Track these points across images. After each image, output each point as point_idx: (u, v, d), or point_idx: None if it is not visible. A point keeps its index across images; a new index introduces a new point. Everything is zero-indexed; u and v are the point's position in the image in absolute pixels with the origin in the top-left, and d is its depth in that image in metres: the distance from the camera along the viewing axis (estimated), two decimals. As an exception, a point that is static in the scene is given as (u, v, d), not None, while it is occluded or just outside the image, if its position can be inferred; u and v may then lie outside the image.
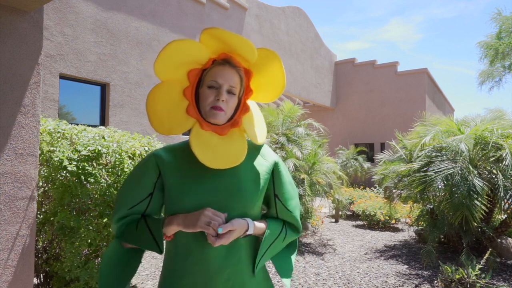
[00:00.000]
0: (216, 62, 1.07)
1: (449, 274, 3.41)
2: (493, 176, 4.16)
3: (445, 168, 4.14)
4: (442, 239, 5.09)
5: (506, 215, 4.59)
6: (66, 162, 2.23)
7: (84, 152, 2.30)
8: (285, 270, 1.17)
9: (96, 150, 2.33)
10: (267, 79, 1.11)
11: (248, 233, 1.02)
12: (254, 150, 1.14)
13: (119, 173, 2.39)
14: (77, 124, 2.74)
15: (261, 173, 1.10)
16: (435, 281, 3.72)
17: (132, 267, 1.10)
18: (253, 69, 1.10)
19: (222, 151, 1.05)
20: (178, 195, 1.03)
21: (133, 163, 2.48)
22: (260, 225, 1.07)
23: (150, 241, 1.00)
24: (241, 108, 1.10)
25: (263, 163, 1.12)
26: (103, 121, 6.42)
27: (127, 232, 1.07)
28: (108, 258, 1.07)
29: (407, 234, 6.22)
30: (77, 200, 2.32)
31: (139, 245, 1.05)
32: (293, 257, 1.22)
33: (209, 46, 1.04)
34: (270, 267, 4.02)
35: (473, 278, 3.28)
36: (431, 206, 4.95)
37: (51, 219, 2.38)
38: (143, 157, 2.61)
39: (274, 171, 1.14)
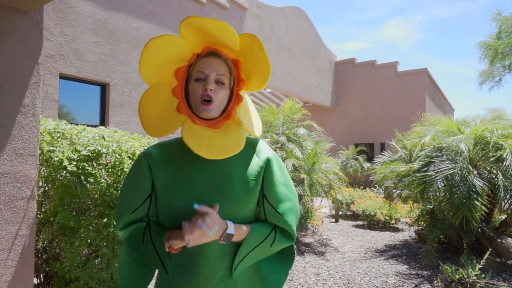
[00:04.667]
0: (200, 56, 1.04)
1: (449, 274, 3.41)
2: (493, 176, 4.16)
3: (445, 168, 4.14)
4: (442, 239, 5.09)
5: (506, 215, 4.59)
6: (66, 162, 2.23)
7: (84, 152, 2.30)
8: (274, 284, 1.11)
9: (96, 150, 2.33)
10: (253, 65, 1.04)
11: (228, 232, 0.96)
12: (249, 147, 1.08)
13: (119, 173, 2.39)
14: (77, 124, 2.74)
15: (253, 172, 1.05)
16: (435, 281, 3.72)
17: (150, 267, 1.09)
18: (240, 58, 1.05)
19: (218, 141, 1.00)
20: (167, 194, 1.01)
21: (133, 163, 2.48)
22: (242, 227, 1.01)
23: (157, 262, 1.00)
24: (234, 99, 1.05)
25: (256, 161, 1.06)
26: (103, 121, 6.41)
27: (134, 244, 1.04)
28: (123, 260, 1.07)
29: (407, 234, 6.22)
30: (77, 200, 2.32)
31: (148, 263, 1.03)
32: (286, 272, 1.14)
33: (190, 39, 1.01)
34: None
35: (473, 278, 3.28)
36: (431, 206, 4.95)
37: (51, 219, 2.38)
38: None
39: (266, 169, 1.06)
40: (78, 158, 2.29)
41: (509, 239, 4.70)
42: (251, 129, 1.06)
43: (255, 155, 1.08)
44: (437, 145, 4.73)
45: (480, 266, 3.40)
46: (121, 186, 2.43)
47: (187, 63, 1.05)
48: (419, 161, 4.67)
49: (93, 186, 2.29)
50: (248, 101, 1.12)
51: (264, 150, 1.09)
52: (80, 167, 2.25)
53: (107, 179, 2.36)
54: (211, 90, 0.99)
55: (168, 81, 1.05)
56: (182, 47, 1.02)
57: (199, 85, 1.00)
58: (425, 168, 4.51)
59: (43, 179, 2.36)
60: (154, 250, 1.00)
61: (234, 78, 1.06)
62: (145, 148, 2.63)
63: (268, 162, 1.07)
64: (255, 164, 1.06)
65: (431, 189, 4.33)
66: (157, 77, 1.04)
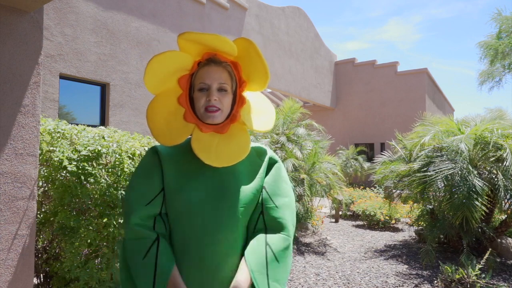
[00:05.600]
0: (201, 64, 1.06)
1: (449, 274, 3.41)
2: (493, 176, 4.16)
3: (445, 168, 4.13)
4: (442, 239, 5.09)
5: (506, 215, 4.59)
6: (66, 162, 2.23)
7: (84, 152, 2.30)
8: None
9: (96, 150, 2.33)
10: (251, 69, 1.07)
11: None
12: (253, 152, 1.13)
13: (119, 173, 2.39)
14: (77, 124, 2.74)
15: (257, 172, 1.09)
16: (435, 281, 3.72)
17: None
18: (239, 60, 1.08)
19: (225, 149, 1.04)
20: (172, 192, 1.03)
21: (133, 163, 2.48)
22: (243, 268, 0.98)
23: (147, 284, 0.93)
24: (237, 101, 1.08)
25: (260, 163, 1.12)
26: (103, 121, 6.41)
27: (134, 251, 0.98)
28: (124, 258, 1.01)
29: (407, 234, 6.22)
30: (77, 200, 2.32)
31: (133, 278, 0.96)
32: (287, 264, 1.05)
33: (189, 50, 1.04)
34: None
35: (473, 278, 3.28)
36: (431, 206, 4.95)
37: (51, 219, 2.38)
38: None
39: (269, 165, 1.12)
40: (78, 158, 2.29)
41: (509, 239, 4.70)
42: (254, 126, 1.09)
43: (258, 158, 1.13)
44: (437, 145, 4.73)
45: (480, 266, 3.40)
46: (126, 184, 2.42)
47: (189, 71, 1.08)
48: (419, 161, 4.67)
49: (93, 186, 2.29)
50: (256, 99, 1.14)
51: (267, 153, 1.15)
52: (80, 167, 2.25)
53: (107, 179, 2.36)
54: (215, 100, 1.02)
55: (173, 90, 1.08)
56: (183, 58, 1.05)
57: (203, 95, 1.04)
58: (425, 168, 4.51)
59: (43, 179, 2.36)
60: (153, 274, 0.93)
61: (236, 81, 1.08)
62: (145, 148, 2.64)
63: (271, 159, 1.14)
64: (260, 165, 1.11)
65: (431, 189, 4.33)
66: (161, 87, 1.07)
